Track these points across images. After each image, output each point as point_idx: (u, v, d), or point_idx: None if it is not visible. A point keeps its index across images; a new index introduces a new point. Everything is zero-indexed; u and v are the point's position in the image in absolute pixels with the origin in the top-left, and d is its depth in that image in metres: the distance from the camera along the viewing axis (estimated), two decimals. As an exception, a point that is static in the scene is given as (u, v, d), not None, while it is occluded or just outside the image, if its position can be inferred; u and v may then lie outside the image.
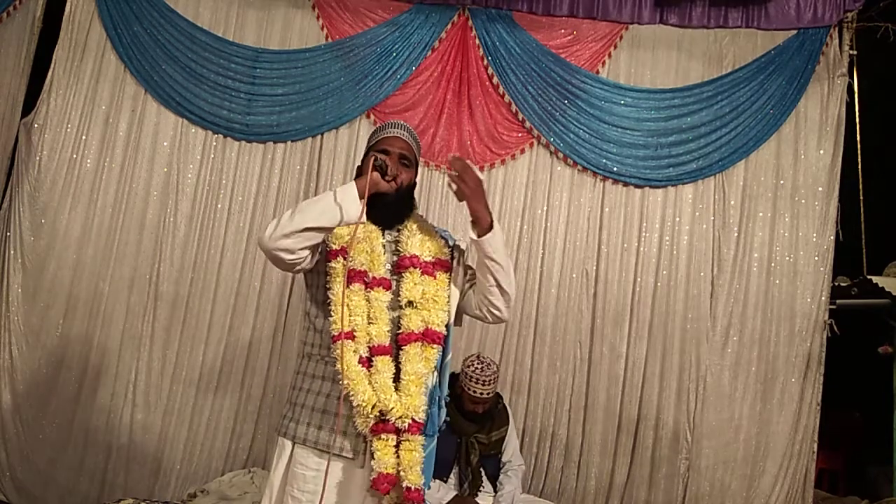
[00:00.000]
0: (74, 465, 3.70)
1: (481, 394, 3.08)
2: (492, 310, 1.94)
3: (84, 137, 3.93)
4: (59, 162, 3.90)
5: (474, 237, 1.85)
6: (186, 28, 3.98)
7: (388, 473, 1.76)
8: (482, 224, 1.84)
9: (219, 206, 3.94)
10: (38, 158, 3.87)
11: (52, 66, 3.96)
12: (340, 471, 1.83)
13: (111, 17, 3.98)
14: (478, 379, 3.07)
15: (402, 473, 1.76)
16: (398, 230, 1.95)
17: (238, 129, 3.97)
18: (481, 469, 3.21)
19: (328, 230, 1.81)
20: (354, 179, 1.83)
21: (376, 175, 1.81)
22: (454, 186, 1.84)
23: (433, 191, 3.97)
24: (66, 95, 3.94)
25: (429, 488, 1.86)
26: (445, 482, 3.16)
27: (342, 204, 1.75)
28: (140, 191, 3.92)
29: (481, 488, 3.21)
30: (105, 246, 3.87)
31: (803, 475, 3.80)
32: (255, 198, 3.97)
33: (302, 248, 1.77)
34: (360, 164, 2.01)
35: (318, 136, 4.00)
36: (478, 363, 3.11)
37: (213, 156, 3.98)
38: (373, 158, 1.83)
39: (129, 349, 3.82)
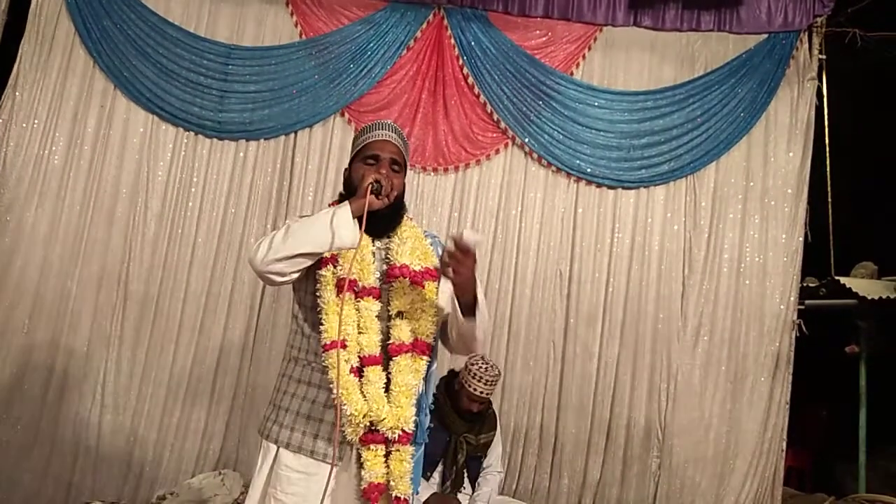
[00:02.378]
0: (40, 468, 3.62)
1: (481, 392, 3.12)
2: (454, 353, 2.00)
3: (51, 133, 3.86)
4: (25, 158, 3.82)
5: (459, 318, 1.82)
6: (157, 23, 3.92)
7: (378, 483, 1.75)
8: (466, 305, 1.80)
9: (190, 204, 3.89)
10: (3, 154, 3.80)
11: (17, 60, 3.87)
12: (326, 477, 1.81)
13: (80, 11, 3.90)
14: (481, 377, 3.11)
15: (391, 483, 1.76)
16: (388, 237, 1.92)
17: (210, 127, 3.92)
18: (465, 469, 3.23)
19: (321, 255, 1.79)
20: (348, 200, 1.78)
21: (371, 197, 1.76)
22: (449, 272, 1.73)
23: (408, 191, 3.92)
24: (33, 90, 3.87)
25: (417, 494, 1.86)
26: (427, 480, 3.17)
27: (337, 229, 1.72)
28: (109, 188, 3.86)
29: (462, 489, 3.23)
30: (73, 244, 3.80)
31: (772, 473, 3.86)
32: (227, 196, 3.93)
33: (294, 271, 1.77)
34: (346, 169, 1.96)
35: (292, 135, 3.98)
36: (483, 363, 3.15)
37: (184, 153, 3.93)
38: (369, 184, 1.76)
39: (98, 349, 3.75)
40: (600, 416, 3.88)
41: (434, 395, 3.25)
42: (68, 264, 3.79)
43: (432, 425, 3.13)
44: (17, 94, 3.84)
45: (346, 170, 1.98)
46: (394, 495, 1.76)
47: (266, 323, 3.82)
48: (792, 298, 3.92)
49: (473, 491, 3.29)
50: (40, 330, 3.72)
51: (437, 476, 3.20)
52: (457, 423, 3.19)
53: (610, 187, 4.01)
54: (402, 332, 1.83)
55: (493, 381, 3.13)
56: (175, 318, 3.80)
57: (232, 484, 3.42)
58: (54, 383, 3.70)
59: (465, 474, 3.24)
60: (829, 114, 4.06)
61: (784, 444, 3.89)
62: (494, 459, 3.37)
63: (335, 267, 1.83)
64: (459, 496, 3.19)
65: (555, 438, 3.88)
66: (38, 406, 3.67)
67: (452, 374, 3.31)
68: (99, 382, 3.74)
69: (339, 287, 1.81)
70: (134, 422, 3.72)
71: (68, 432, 3.67)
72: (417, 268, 1.88)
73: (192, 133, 3.94)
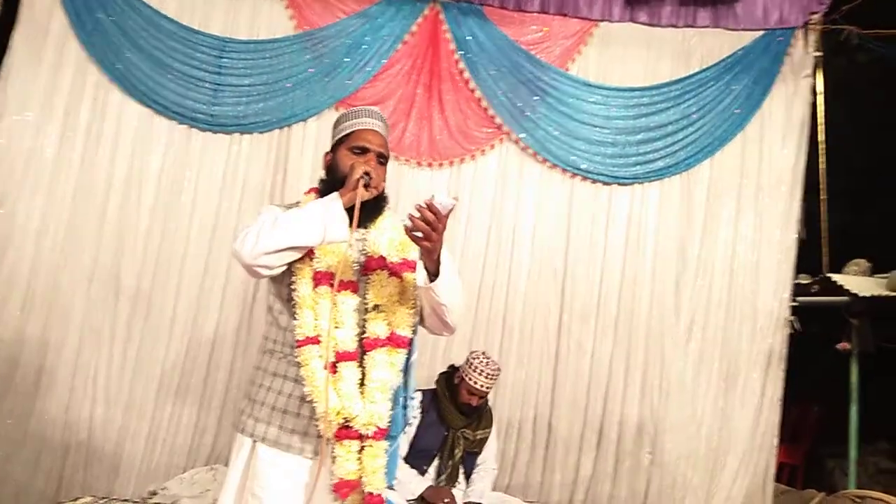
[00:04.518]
0: (31, 462, 3.60)
1: (482, 386, 3.15)
2: (434, 332, 1.97)
3: (44, 126, 3.82)
4: (17, 151, 3.78)
5: (422, 284, 1.80)
6: (151, 16, 3.89)
7: (349, 480, 1.74)
8: (431, 271, 1.78)
9: (183, 197, 3.87)
10: (-6, 146, 3.76)
11: (9, 52, 3.83)
12: (303, 471, 1.81)
13: (73, 3, 3.86)
14: (482, 371, 3.14)
15: (364, 479, 1.75)
16: (366, 227, 1.91)
17: (203, 120, 3.89)
18: (461, 464, 3.25)
19: (310, 248, 1.78)
20: (338, 192, 1.77)
21: (361, 190, 1.75)
22: (419, 234, 1.68)
23: (403, 186, 3.94)
24: (26, 82, 3.83)
25: (392, 488, 1.85)
26: (423, 474, 3.18)
27: (327, 223, 1.72)
28: (101, 181, 3.83)
29: (457, 483, 3.24)
30: (65, 238, 3.77)
31: (764, 469, 3.87)
32: (221, 190, 3.90)
33: (281, 265, 1.77)
34: (329, 153, 1.95)
35: (286, 128, 3.95)
36: (484, 357, 3.20)
37: (177, 146, 3.90)
38: (361, 178, 1.75)
39: (89, 343, 3.73)
40: (593, 412, 3.89)
41: (433, 389, 3.28)
42: (60, 258, 3.76)
43: (416, 417, 3.16)
44: (9, 86, 3.80)
45: (327, 154, 1.96)
46: (366, 490, 1.75)
47: (259, 317, 3.79)
48: (785, 295, 3.92)
49: (468, 486, 3.30)
50: (31, 323, 3.69)
51: (432, 470, 3.22)
52: (455, 418, 3.21)
53: (605, 183, 4.01)
54: (379, 326, 1.82)
55: (493, 375, 3.16)
56: (167, 312, 3.78)
57: (223, 479, 3.40)
58: (45, 377, 3.68)
59: (461, 469, 3.26)
60: (823, 111, 4.06)
61: (776, 441, 3.90)
62: (490, 456, 3.40)
63: (312, 260, 1.81)
64: (454, 490, 3.20)
65: (547, 434, 3.88)
66: (29, 400, 3.65)
67: (452, 368, 3.33)
68: (90, 376, 3.71)
69: (316, 281, 1.80)
70: (125, 416, 3.70)
71: (59, 427, 3.65)
72: (395, 259, 1.87)
73: (186, 126, 3.90)
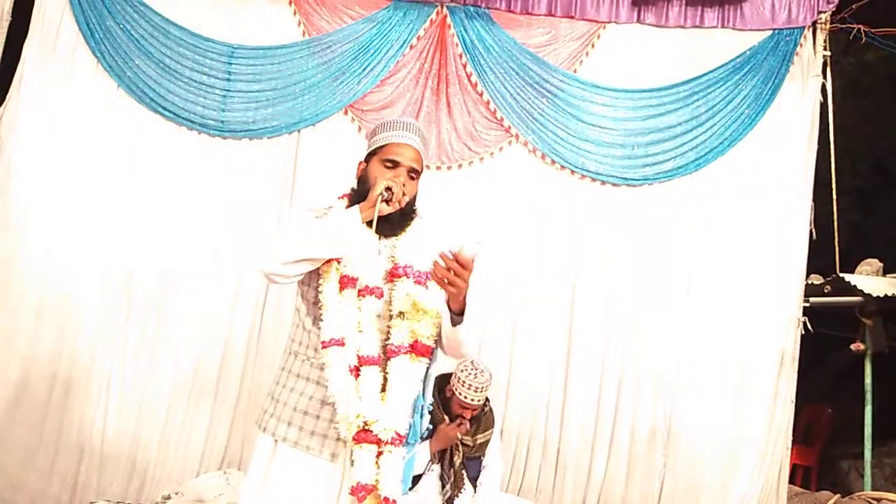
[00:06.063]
0: (46, 468, 3.63)
1: (472, 400, 3.02)
2: (446, 354, 1.98)
3: (55, 134, 3.85)
4: (28, 158, 3.81)
5: (446, 328, 1.83)
6: (160, 23, 3.92)
7: (366, 484, 1.75)
8: (455, 311, 1.80)
9: (194, 203, 3.89)
10: (7, 155, 3.79)
11: (21, 60, 3.88)
12: (321, 473, 1.83)
13: (83, 12, 3.90)
14: (470, 385, 3.00)
15: (380, 484, 1.76)
16: (395, 235, 1.93)
17: (213, 126, 3.92)
18: (464, 471, 3.21)
19: (327, 259, 1.82)
20: (359, 205, 1.80)
21: (382, 205, 1.78)
22: (446, 282, 1.70)
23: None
24: (37, 90, 3.86)
25: (406, 494, 1.86)
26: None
27: (345, 236, 1.77)
28: (113, 188, 3.85)
29: (462, 490, 3.20)
30: (77, 245, 3.80)
31: (777, 471, 3.84)
32: (231, 195, 3.91)
33: (297, 274, 1.81)
34: (362, 162, 1.96)
35: (295, 133, 3.97)
36: (472, 369, 3.04)
37: (187, 152, 3.92)
38: (379, 194, 1.78)
39: (102, 349, 3.75)
40: (604, 414, 3.87)
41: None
42: (72, 265, 3.78)
43: (431, 427, 3.09)
44: (21, 94, 3.84)
45: (361, 163, 1.98)
46: (382, 496, 1.76)
47: (270, 322, 3.80)
48: (797, 296, 3.90)
49: (475, 490, 3.26)
50: (45, 330, 3.72)
51: (435, 478, 3.17)
52: None
53: (614, 185, 4.00)
54: (402, 333, 1.84)
55: (482, 387, 3.02)
56: (179, 317, 3.80)
57: (236, 483, 3.41)
58: (59, 383, 3.70)
59: (465, 476, 3.21)
60: (833, 111, 4.04)
61: (789, 442, 3.88)
62: (493, 456, 3.32)
63: (339, 264, 1.84)
64: (462, 497, 3.15)
65: (559, 437, 3.87)
66: (44, 405, 3.67)
67: (444, 378, 3.21)
68: (103, 383, 3.74)
69: (342, 284, 1.83)
70: (139, 421, 3.73)
71: (73, 432, 3.67)
72: (421, 268, 1.89)
73: (196, 132, 3.93)
